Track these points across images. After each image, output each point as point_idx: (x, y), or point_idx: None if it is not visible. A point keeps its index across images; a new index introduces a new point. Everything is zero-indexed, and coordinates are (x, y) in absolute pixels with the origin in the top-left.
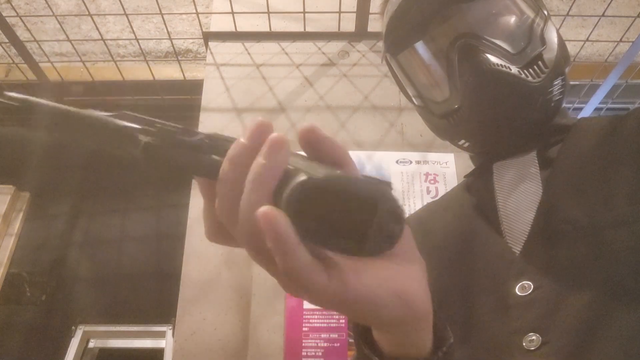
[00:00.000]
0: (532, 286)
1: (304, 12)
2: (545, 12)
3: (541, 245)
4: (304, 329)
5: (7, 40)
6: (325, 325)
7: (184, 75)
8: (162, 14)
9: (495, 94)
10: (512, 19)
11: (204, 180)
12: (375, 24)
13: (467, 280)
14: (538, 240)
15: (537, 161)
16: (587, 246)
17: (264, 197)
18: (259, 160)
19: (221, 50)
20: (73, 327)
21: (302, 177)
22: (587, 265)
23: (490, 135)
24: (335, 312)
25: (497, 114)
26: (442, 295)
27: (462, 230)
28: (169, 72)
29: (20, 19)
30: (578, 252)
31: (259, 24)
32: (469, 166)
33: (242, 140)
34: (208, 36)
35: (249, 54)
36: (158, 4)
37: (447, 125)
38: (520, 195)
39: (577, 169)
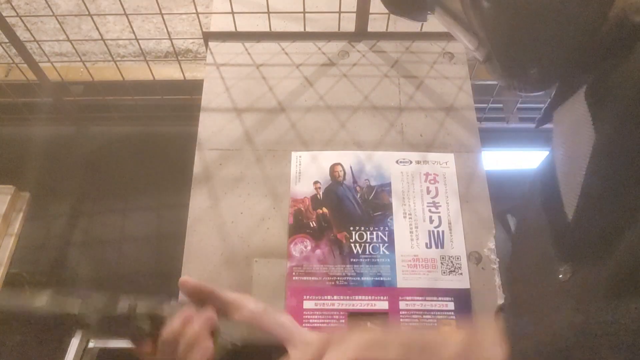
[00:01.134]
0: (571, 271)
1: (304, 12)
2: None
3: (586, 217)
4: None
5: (7, 40)
6: (325, 325)
7: (184, 75)
8: (162, 14)
9: (515, 21)
10: None
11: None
12: (375, 24)
13: (531, 259)
14: (583, 210)
15: (584, 99)
16: (621, 218)
17: None
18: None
19: (221, 50)
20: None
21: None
22: (619, 241)
23: (528, 72)
24: (335, 312)
25: (525, 46)
26: (513, 274)
27: (539, 193)
28: (169, 72)
29: (20, 19)
30: (613, 225)
31: (259, 24)
32: (469, 166)
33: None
34: (208, 36)
35: (249, 54)
36: (158, 4)
37: (491, 70)
38: (574, 149)
39: (633, 101)
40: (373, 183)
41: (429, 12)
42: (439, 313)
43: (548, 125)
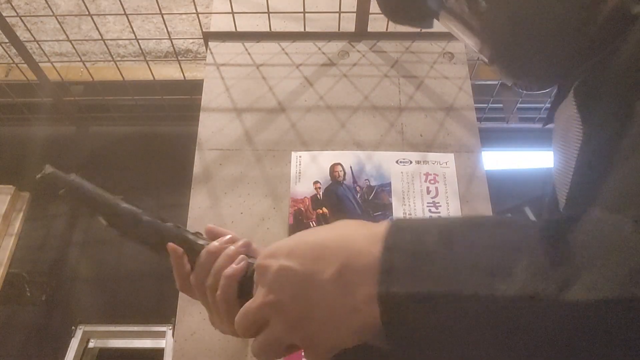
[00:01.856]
0: None
1: (304, 12)
2: None
3: (573, 206)
4: None
5: (7, 40)
6: None
7: (184, 75)
8: (162, 14)
9: (513, 23)
10: None
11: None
12: (375, 24)
13: None
14: (571, 200)
15: (573, 96)
16: None
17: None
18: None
19: (221, 50)
20: (73, 327)
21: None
22: None
23: (531, 72)
24: None
25: (525, 47)
26: None
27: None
28: (169, 72)
29: (20, 19)
30: None
31: (259, 24)
32: (469, 166)
33: (215, 243)
34: (208, 36)
35: (249, 54)
36: (158, 4)
37: (497, 71)
38: (566, 146)
39: (621, 85)
40: (373, 183)
41: (434, 18)
42: None
43: (549, 125)
